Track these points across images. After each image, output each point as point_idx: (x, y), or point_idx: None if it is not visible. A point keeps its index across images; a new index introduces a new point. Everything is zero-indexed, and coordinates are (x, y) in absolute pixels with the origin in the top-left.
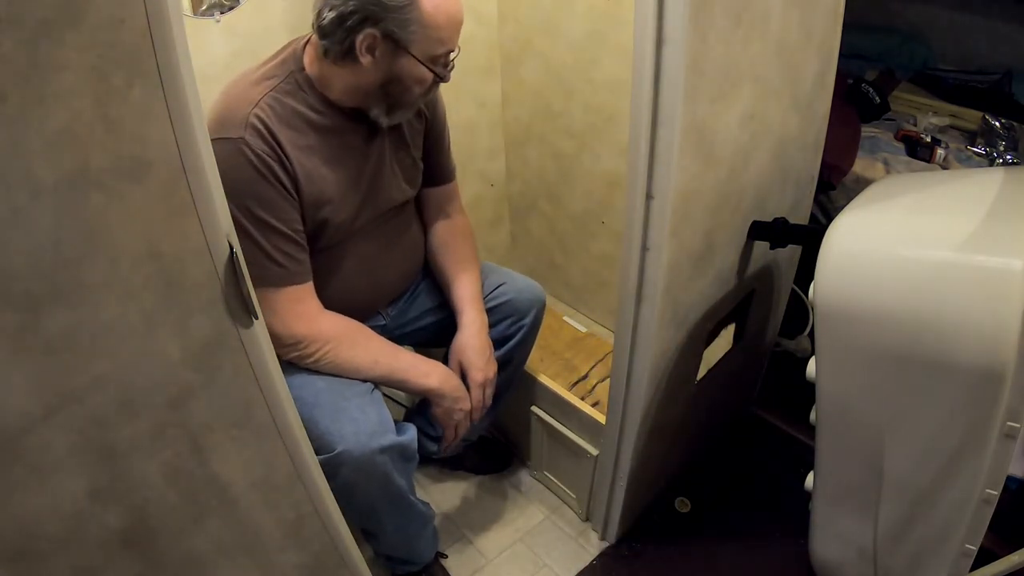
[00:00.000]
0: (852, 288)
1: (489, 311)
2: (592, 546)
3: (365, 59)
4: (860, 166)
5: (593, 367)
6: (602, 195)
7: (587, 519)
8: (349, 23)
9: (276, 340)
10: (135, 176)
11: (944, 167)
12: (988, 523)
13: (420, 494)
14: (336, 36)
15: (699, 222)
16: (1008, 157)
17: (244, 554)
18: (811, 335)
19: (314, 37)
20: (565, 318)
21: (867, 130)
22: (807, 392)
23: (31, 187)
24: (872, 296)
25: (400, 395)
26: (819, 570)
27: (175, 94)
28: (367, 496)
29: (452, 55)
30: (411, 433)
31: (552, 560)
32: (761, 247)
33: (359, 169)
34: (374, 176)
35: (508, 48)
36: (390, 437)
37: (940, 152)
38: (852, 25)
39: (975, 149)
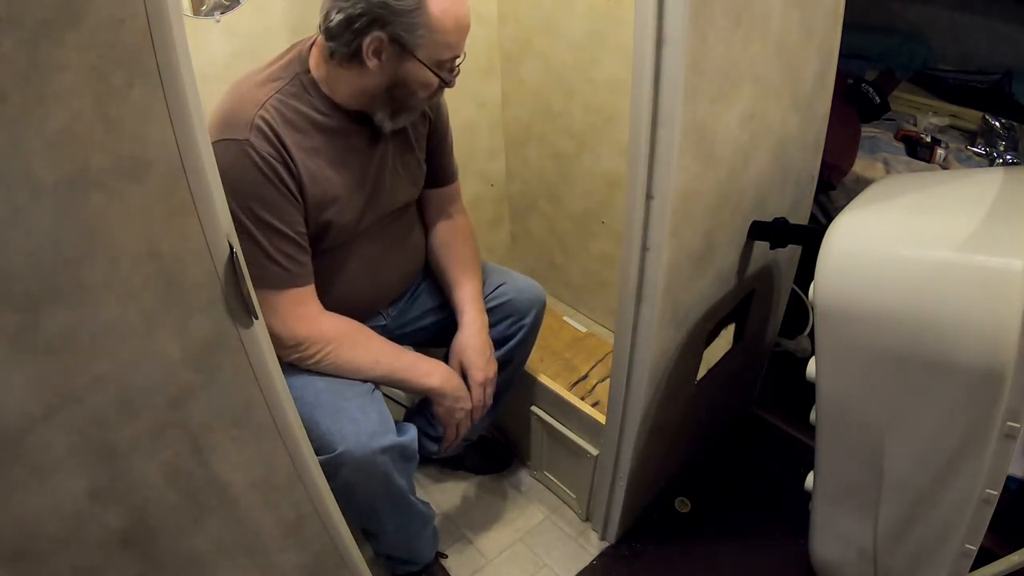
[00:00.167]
0: (852, 288)
1: (489, 311)
2: (592, 546)
3: (371, 62)
4: (860, 166)
5: (593, 367)
6: (602, 195)
7: (587, 519)
8: (356, 26)
9: (277, 342)
10: (135, 176)
11: (944, 167)
12: (988, 523)
13: (420, 494)
14: (343, 39)
15: (699, 222)
16: (1008, 157)
17: (244, 554)
18: (811, 335)
19: (320, 39)
20: (565, 318)
21: (867, 130)
22: (807, 392)
23: (31, 187)
24: (872, 296)
25: (400, 395)
26: (819, 570)
27: (175, 94)
28: (368, 496)
29: (458, 60)
30: (411, 433)
31: (552, 560)
32: (761, 247)
33: (363, 171)
34: (378, 178)
35: (508, 48)
36: (391, 437)
37: (940, 152)
38: (852, 25)
39: (975, 149)
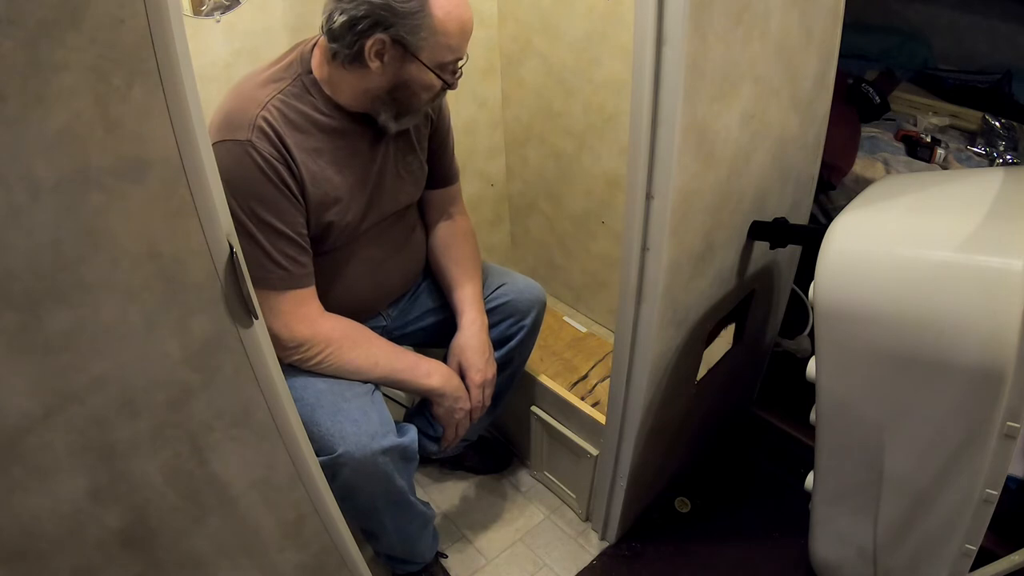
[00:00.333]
0: (852, 288)
1: (490, 312)
2: (592, 546)
3: (374, 64)
4: (860, 166)
5: (593, 367)
6: (602, 195)
7: (587, 519)
8: (359, 27)
9: (278, 343)
10: (135, 176)
11: (944, 167)
12: (988, 523)
13: (420, 494)
14: (346, 40)
15: (699, 222)
16: (1008, 157)
17: (244, 554)
18: (811, 335)
19: (322, 40)
20: (565, 318)
21: (867, 130)
22: (807, 392)
23: (31, 187)
24: (872, 296)
25: (400, 395)
26: (819, 570)
27: (175, 94)
28: (368, 497)
29: (460, 63)
30: (411, 434)
31: (552, 560)
32: (761, 247)
33: (365, 172)
34: (380, 179)
35: (508, 48)
36: (391, 438)
37: (940, 152)
38: (852, 25)
39: (975, 149)
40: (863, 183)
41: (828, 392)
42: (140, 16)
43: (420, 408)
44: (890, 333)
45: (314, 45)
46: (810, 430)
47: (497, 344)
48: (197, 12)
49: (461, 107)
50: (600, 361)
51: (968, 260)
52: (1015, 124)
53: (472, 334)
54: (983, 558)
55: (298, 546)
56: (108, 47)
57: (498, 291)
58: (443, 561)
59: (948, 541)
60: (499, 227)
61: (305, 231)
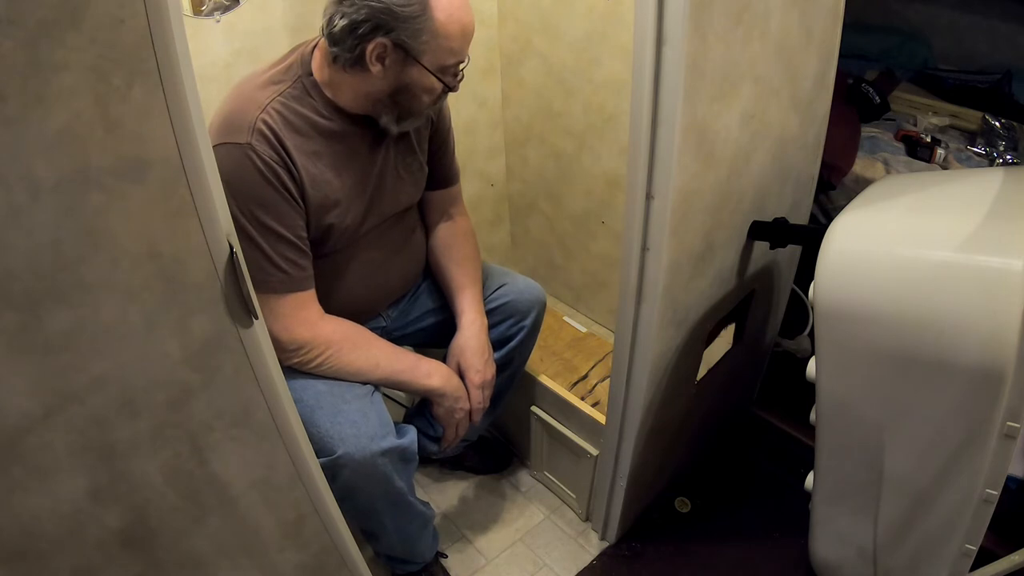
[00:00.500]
0: (852, 288)
1: (490, 312)
2: (592, 546)
3: (375, 67)
4: (860, 166)
5: (593, 367)
6: (602, 195)
7: (587, 519)
8: (360, 31)
9: (278, 346)
10: (135, 176)
11: (944, 167)
12: (988, 523)
13: (420, 494)
14: (346, 43)
15: (699, 222)
16: (1008, 157)
17: (244, 554)
18: (811, 335)
19: (323, 42)
20: (565, 318)
21: (867, 130)
22: (807, 392)
23: (31, 187)
24: (872, 296)
25: (400, 395)
26: (819, 570)
27: (175, 94)
28: (368, 498)
29: (462, 65)
30: (411, 435)
31: (552, 560)
32: (761, 247)
33: (365, 174)
34: (380, 181)
35: (508, 48)
36: (390, 440)
37: (940, 152)
38: (852, 25)
39: (975, 149)
40: (863, 183)
41: (828, 392)
42: (140, 16)
43: (420, 408)
44: (890, 333)
45: (314, 47)
46: (810, 430)
47: (497, 344)
48: (197, 12)
49: (461, 107)
50: (600, 361)
51: (968, 260)
52: (1015, 124)
53: (472, 335)
54: (983, 558)
55: (298, 546)
56: (108, 47)
57: (498, 292)
58: (443, 561)
59: (948, 541)
60: (499, 227)
61: (305, 234)
